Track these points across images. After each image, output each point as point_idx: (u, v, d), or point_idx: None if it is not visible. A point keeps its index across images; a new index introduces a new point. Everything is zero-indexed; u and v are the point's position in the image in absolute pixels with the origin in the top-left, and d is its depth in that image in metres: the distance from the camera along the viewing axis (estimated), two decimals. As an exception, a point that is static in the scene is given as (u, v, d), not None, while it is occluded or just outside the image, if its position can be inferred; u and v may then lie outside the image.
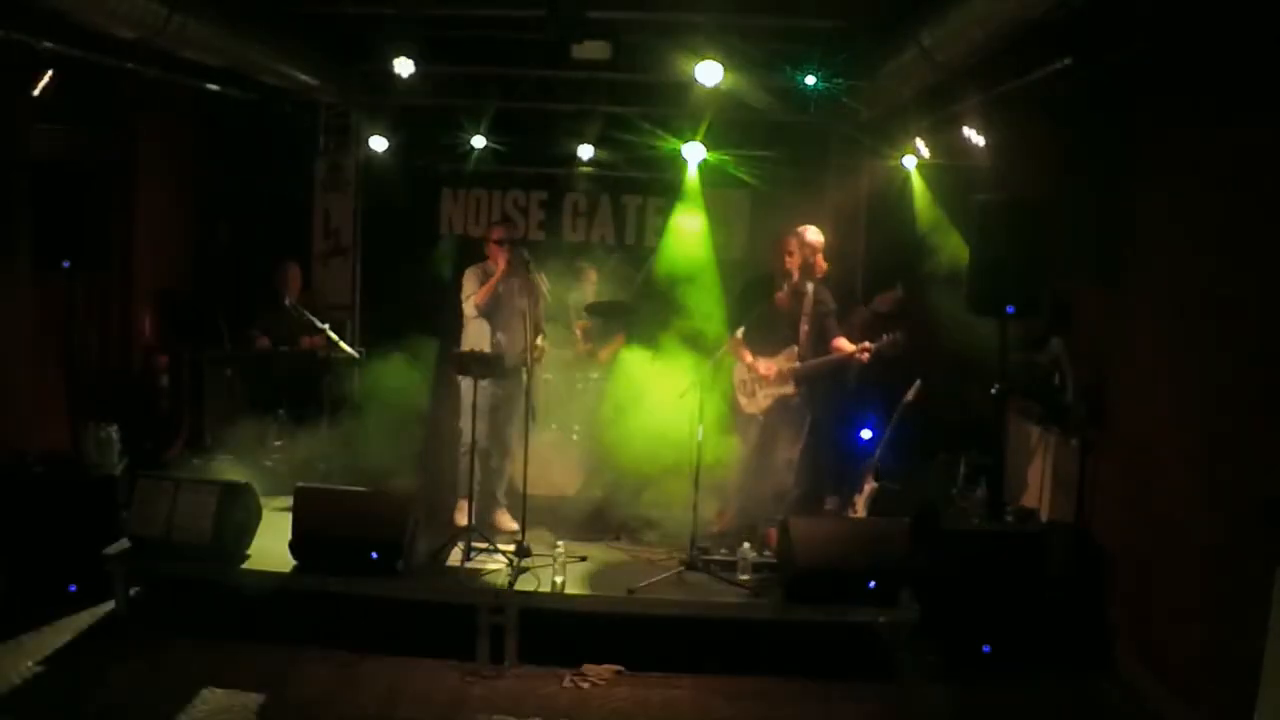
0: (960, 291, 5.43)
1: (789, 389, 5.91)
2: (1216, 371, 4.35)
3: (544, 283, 6.02)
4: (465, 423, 6.06)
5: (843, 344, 5.83)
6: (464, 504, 5.99)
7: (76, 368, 5.99)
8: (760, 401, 5.99)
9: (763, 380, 5.94)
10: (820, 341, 5.91)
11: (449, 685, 4.72)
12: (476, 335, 6.21)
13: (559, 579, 5.16)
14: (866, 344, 5.71)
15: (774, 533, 5.77)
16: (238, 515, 5.32)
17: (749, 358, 5.96)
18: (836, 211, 8.08)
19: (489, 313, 6.16)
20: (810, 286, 5.97)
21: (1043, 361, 5.86)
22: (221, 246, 8.20)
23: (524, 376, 5.88)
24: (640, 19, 6.48)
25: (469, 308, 6.17)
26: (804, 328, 5.90)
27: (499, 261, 6.12)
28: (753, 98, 6.83)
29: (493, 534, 5.85)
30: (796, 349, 5.89)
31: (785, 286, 5.95)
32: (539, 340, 6.04)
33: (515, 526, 5.87)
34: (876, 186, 8.15)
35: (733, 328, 6.04)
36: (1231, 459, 4.18)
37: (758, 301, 5.94)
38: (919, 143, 7.02)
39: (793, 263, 5.93)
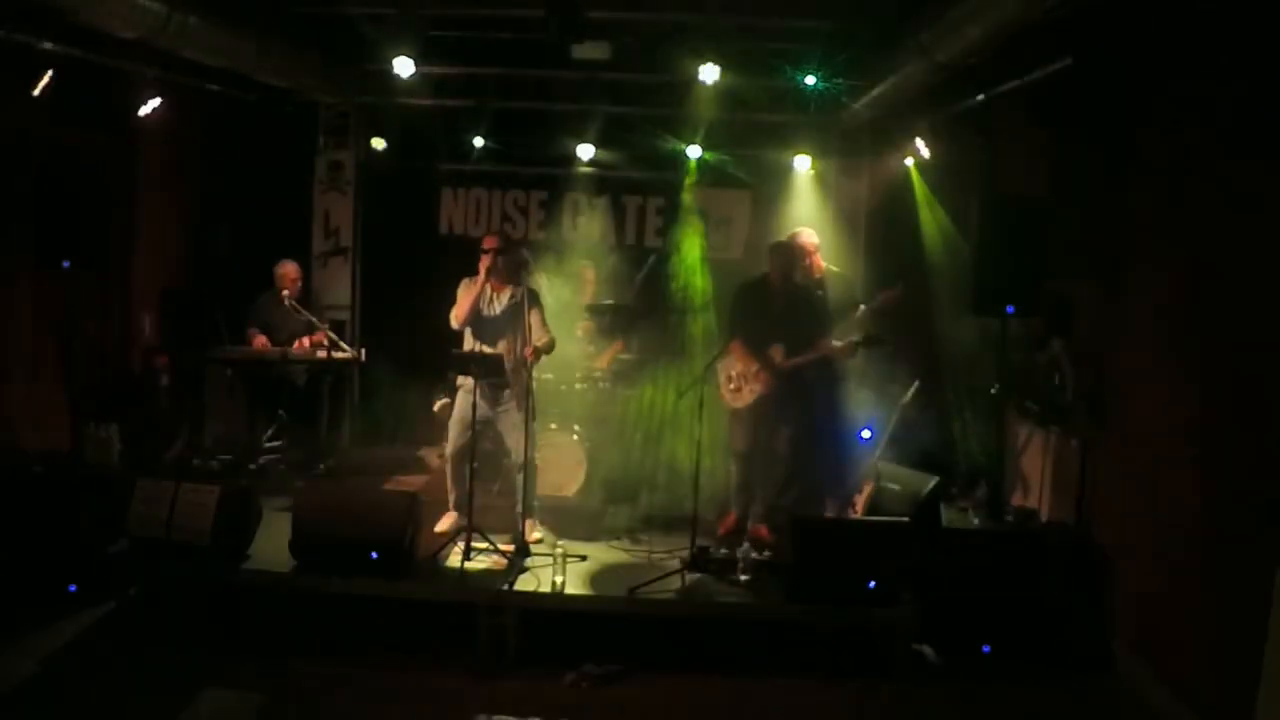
0: (960, 291, 5.43)
1: (776, 384, 5.92)
2: (1216, 371, 4.35)
3: (542, 285, 5.96)
4: (454, 427, 6.01)
5: (830, 343, 5.91)
6: (451, 513, 5.98)
7: (76, 368, 5.99)
8: (746, 397, 6.00)
9: (751, 376, 5.96)
10: (810, 341, 5.93)
11: (449, 685, 4.71)
12: (469, 342, 6.15)
13: (559, 579, 5.15)
14: (851, 340, 5.84)
15: (766, 529, 5.80)
16: (238, 515, 5.31)
17: (742, 356, 5.98)
18: (836, 211, 8.09)
19: (472, 324, 5.96)
20: (805, 290, 5.98)
21: (1042, 361, 5.86)
22: (221, 246, 8.20)
23: (523, 380, 5.84)
24: (640, 19, 6.48)
25: (452, 320, 5.92)
26: (796, 328, 5.92)
27: (482, 272, 6.01)
28: (753, 98, 6.82)
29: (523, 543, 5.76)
30: (783, 347, 5.91)
31: (780, 289, 5.98)
32: (543, 340, 5.85)
33: (539, 536, 5.87)
34: (876, 186, 8.16)
35: (730, 329, 6.04)
36: (1231, 459, 4.18)
37: (753, 303, 5.97)
38: (919, 143, 7.02)
39: (788, 266, 5.99)
